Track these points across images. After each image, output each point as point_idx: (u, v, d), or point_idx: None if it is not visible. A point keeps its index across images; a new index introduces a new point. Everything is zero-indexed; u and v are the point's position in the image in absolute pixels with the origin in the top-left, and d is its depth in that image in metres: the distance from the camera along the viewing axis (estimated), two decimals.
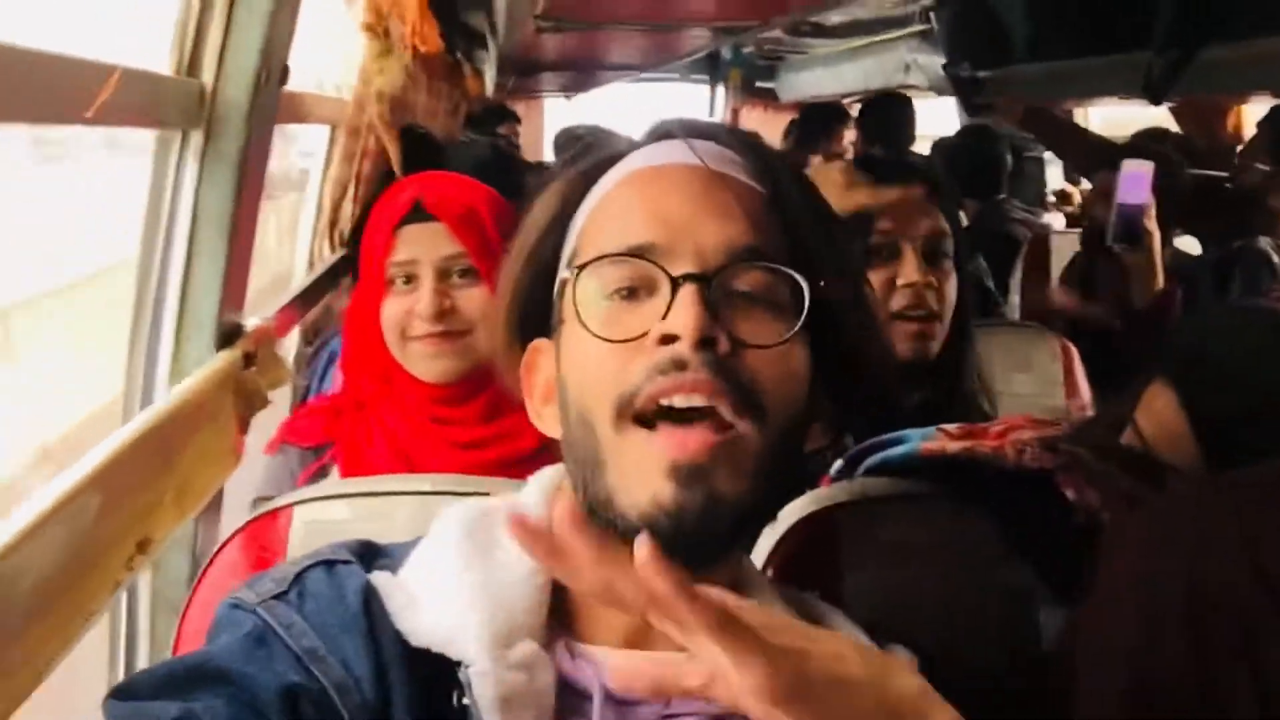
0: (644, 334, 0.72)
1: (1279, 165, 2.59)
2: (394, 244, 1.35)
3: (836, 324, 0.77)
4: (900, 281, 1.47)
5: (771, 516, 0.78)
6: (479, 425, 1.35)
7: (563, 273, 0.78)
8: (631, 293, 0.74)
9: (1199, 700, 0.76)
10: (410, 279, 1.34)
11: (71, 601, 0.96)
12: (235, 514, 1.31)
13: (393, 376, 1.37)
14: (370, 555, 0.79)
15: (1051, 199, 4.28)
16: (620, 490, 0.71)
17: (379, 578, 0.75)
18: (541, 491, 0.80)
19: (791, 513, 1.12)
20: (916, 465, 1.17)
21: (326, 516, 1.07)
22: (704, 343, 0.70)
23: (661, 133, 0.82)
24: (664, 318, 0.71)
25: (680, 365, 0.70)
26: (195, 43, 1.29)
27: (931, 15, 3.11)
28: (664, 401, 0.70)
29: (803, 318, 0.73)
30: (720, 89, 5.52)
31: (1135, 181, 1.84)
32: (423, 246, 1.34)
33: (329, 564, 0.76)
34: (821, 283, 0.74)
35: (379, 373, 1.38)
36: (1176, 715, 0.76)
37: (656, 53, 2.94)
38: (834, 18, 3.73)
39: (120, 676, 1.33)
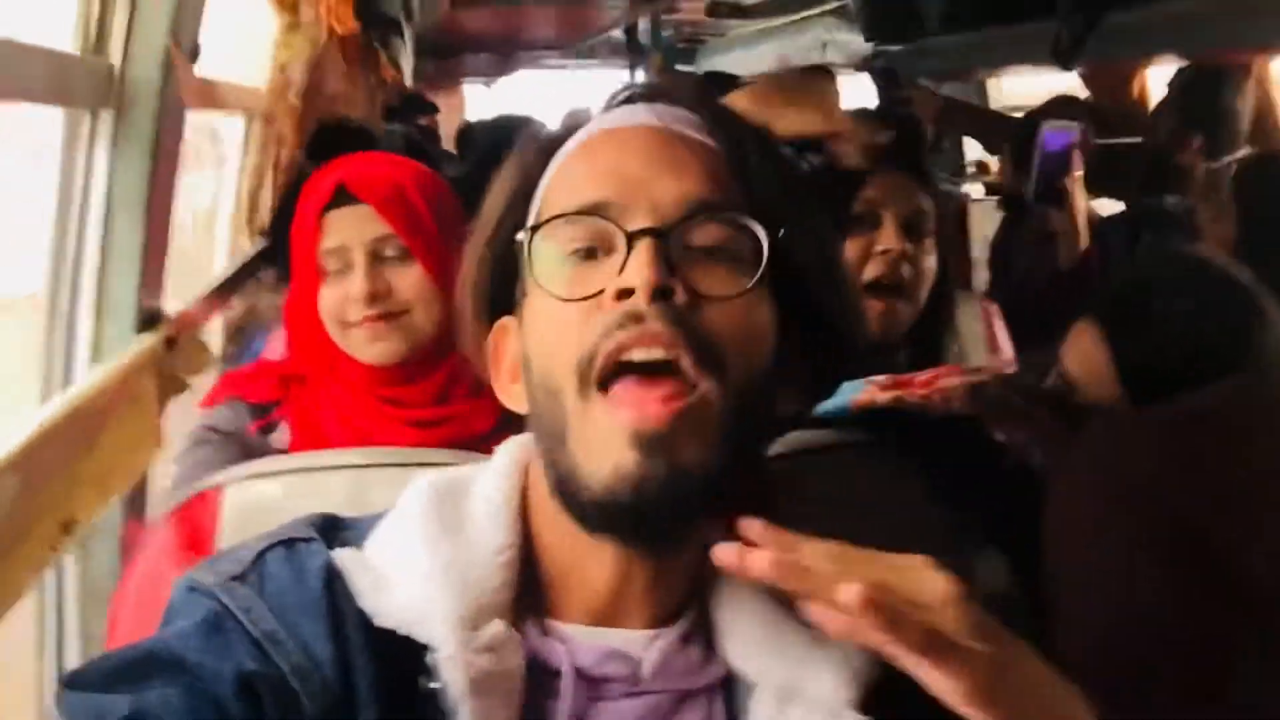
0: (601, 291, 0.70)
1: (1190, 124, 2.66)
2: (322, 231, 1.32)
3: (802, 281, 0.76)
4: (878, 248, 1.53)
5: (738, 482, 0.74)
6: (431, 406, 1.33)
7: (520, 236, 0.76)
8: (589, 252, 0.73)
9: (1176, 619, 0.78)
10: (343, 265, 1.32)
11: None
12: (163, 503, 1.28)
13: (337, 364, 1.35)
14: (334, 530, 0.76)
15: (970, 169, 4.37)
16: (582, 462, 0.69)
17: (343, 555, 0.73)
18: (512, 463, 0.78)
19: None
20: (849, 416, 1.19)
21: (259, 495, 1.05)
22: (660, 293, 0.69)
23: (622, 99, 0.81)
24: (620, 273, 0.70)
25: (637, 318, 0.69)
26: (101, 20, 1.26)
27: None
28: (623, 357, 0.69)
29: (762, 268, 0.72)
30: (640, 73, 5.54)
31: (1055, 141, 1.89)
32: (351, 231, 1.31)
33: (289, 542, 0.74)
34: (780, 232, 0.74)
35: (324, 361, 1.36)
36: (1155, 635, 0.79)
37: (574, 29, 2.94)
38: None
39: (50, 671, 1.30)
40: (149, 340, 1.32)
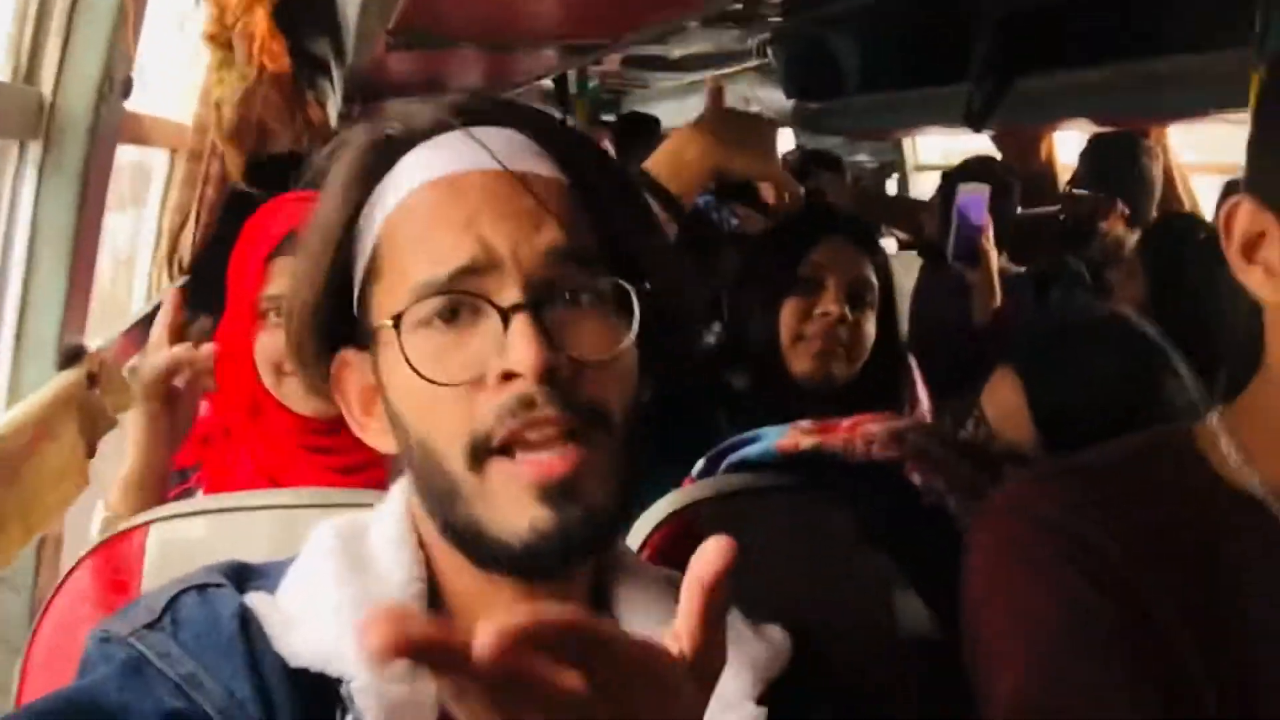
0: (481, 374, 0.69)
1: (1104, 191, 2.80)
2: (266, 277, 1.30)
3: (655, 308, 0.75)
4: (818, 310, 1.59)
5: (635, 501, 0.77)
6: (356, 450, 1.32)
7: (378, 320, 0.73)
8: (454, 314, 0.70)
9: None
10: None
11: None
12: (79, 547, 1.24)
13: (263, 408, 1.33)
14: (244, 576, 0.76)
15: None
16: (492, 521, 0.69)
17: (255, 599, 0.73)
18: (404, 504, 0.78)
19: (655, 512, 1.14)
20: (775, 461, 1.21)
21: (183, 535, 1.03)
22: (547, 373, 0.68)
23: (448, 120, 0.75)
24: (499, 351, 0.68)
25: (528, 404, 0.68)
26: (34, 50, 1.24)
27: (769, 50, 3.23)
28: (518, 439, 0.68)
29: (634, 325, 0.72)
30: (567, 121, 5.61)
31: (972, 204, 1.97)
32: None
33: (201, 588, 0.73)
34: (646, 284, 0.73)
35: (246, 404, 1.34)
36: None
37: (506, 76, 2.98)
38: (676, 51, 3.83)
39: None
40: (70, 377, 1.29)
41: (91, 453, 1.34)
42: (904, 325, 2.94)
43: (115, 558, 1.01)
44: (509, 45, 1.96)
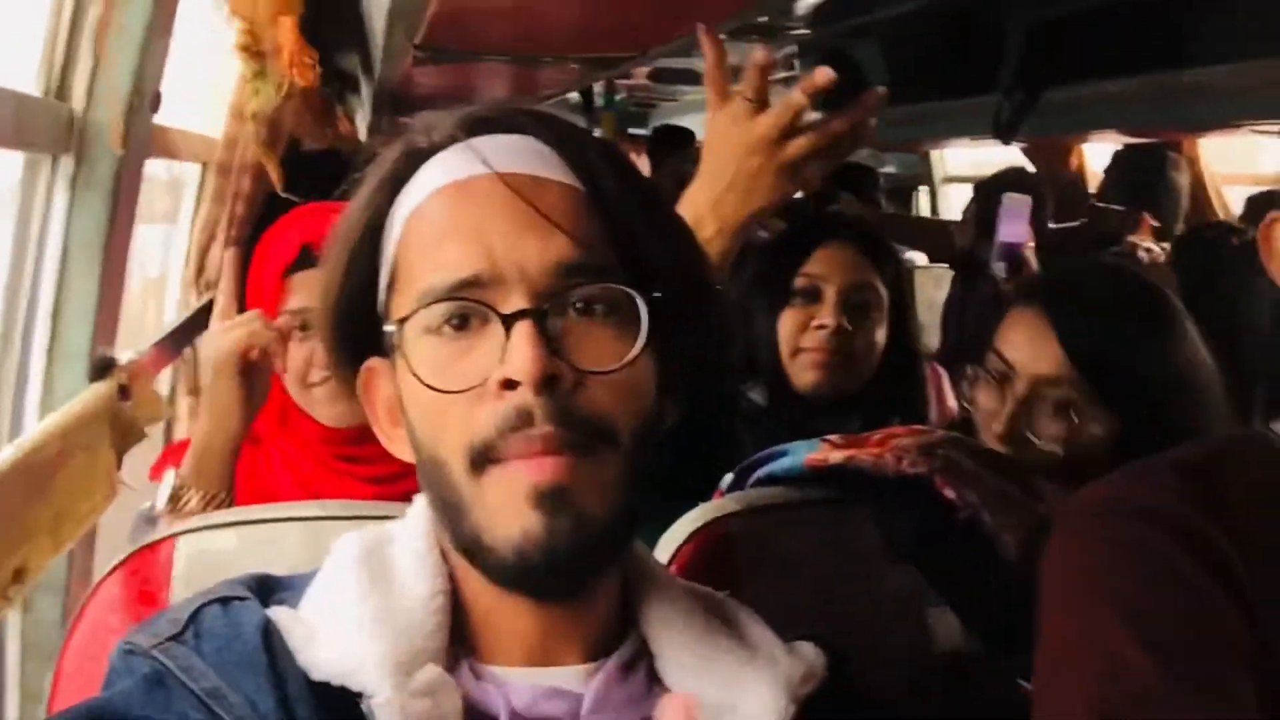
0: (483, 382, 0.69)
1: (1131, 203, 2.78)
2: (285, 292, 1.31)
3: (677, 320, 0.74)
4: (814, 322, 1.54)
5: (639, 519, 0.75)
6: (387, 461, 1.32)
7: (387, 326, 0.73)
8: (462, 321, 0.70)
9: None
10: (306, 326, 1.30)
11: None
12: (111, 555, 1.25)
13: (289, 419, 1.34)
14: (267, 589, 0.76)
15: None
16: (487, 528, 0.69)
17: (278, 612, 0.72)
18: (427, 516, 0.77)
19: (684, 526, 1.14)
20: (804, 475, 1.20)
21: (212, 547, 1.03)
22: (546, 383, 0.67)
23: (465, 129, 0.75)
24: (501, 359, 0.68)
25: (526, 417, 0.67)
26: (65, 65, 1.25)
27: (796, 62, 3.22)
28: (515, 450, 0.68)
29: (642, 338, 0.71)
30: (596, 133, 5.63)
31: (1015, 213, 1.96)
32: (317, 294, 1.29)
33: (224, 601, 0.73)
34: (657, 293, 0.72)
35: (274, 415, 1.34)
36: None
37: (531, 88, 2.99)
38: (702, 64, 3.85)
39: None
40: (102, 389, 1.30)
41: (119, 463, 1.34)
42: (928, 336, 2.94)
43: (144, 568, 1.02)
44: (535, 58, 1.96)
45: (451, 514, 0.71)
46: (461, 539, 0.71)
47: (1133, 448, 1.08)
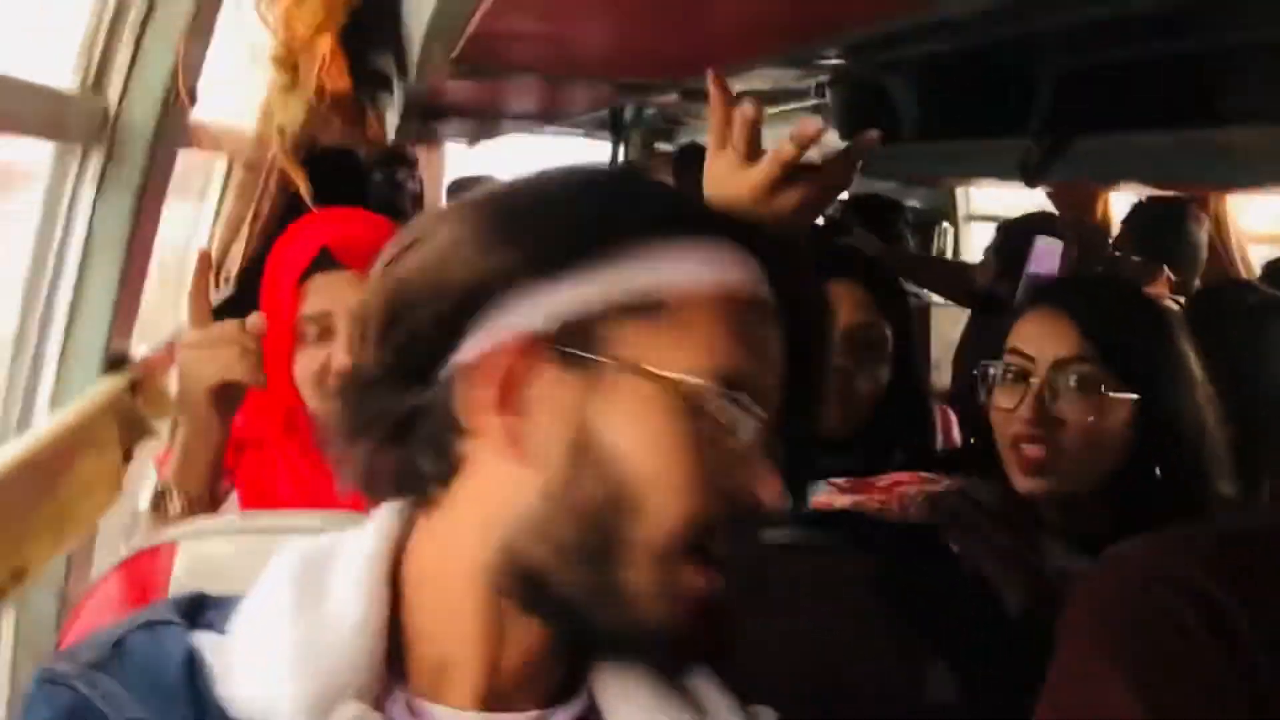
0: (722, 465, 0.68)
1: (1147, 256, 2.77)
2: (303, 296, 1.29)
3: None
4: None
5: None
6: None
7: (656, 366, 0.67)
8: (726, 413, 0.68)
9: None
10: (325, 330, 1.28)
11: None
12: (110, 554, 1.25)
13: (298, 424, 1.34)
14: (199, 610, 0.72)
15: None
16: (636, 606, 0.66)
17: (201, 639, 0.69)
18: (382, 537, 0.72)
19: None
20: (807, 516, 1.20)
21: (213, 552, 1.03)
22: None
23: (717, 225, 0.73)
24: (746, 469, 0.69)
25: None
26: (102, 60, 1.26)
27: (826, 91, 3.22)
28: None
29: None
30: (621, 148, 5.63)
31: (1047, 255, 1.94)
32: (336, 297, 1.27)
33: (150, 625, 0.70)
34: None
35: (281, 419, 1.34)
36: None
37: (561, 105, 3.00)
38: (734, 87, 3.85)
39: None
40: (113, 384, 1.30)
41: (128, 460, 1.34)
42: (943, 374, 2.93)
43: (142, 573, 1.01)
44: (569, 78, 1.97)
45: (584, 559, 0.67)
46: (565, 586, 0.67)
47: (1148, 441, 1.15)
